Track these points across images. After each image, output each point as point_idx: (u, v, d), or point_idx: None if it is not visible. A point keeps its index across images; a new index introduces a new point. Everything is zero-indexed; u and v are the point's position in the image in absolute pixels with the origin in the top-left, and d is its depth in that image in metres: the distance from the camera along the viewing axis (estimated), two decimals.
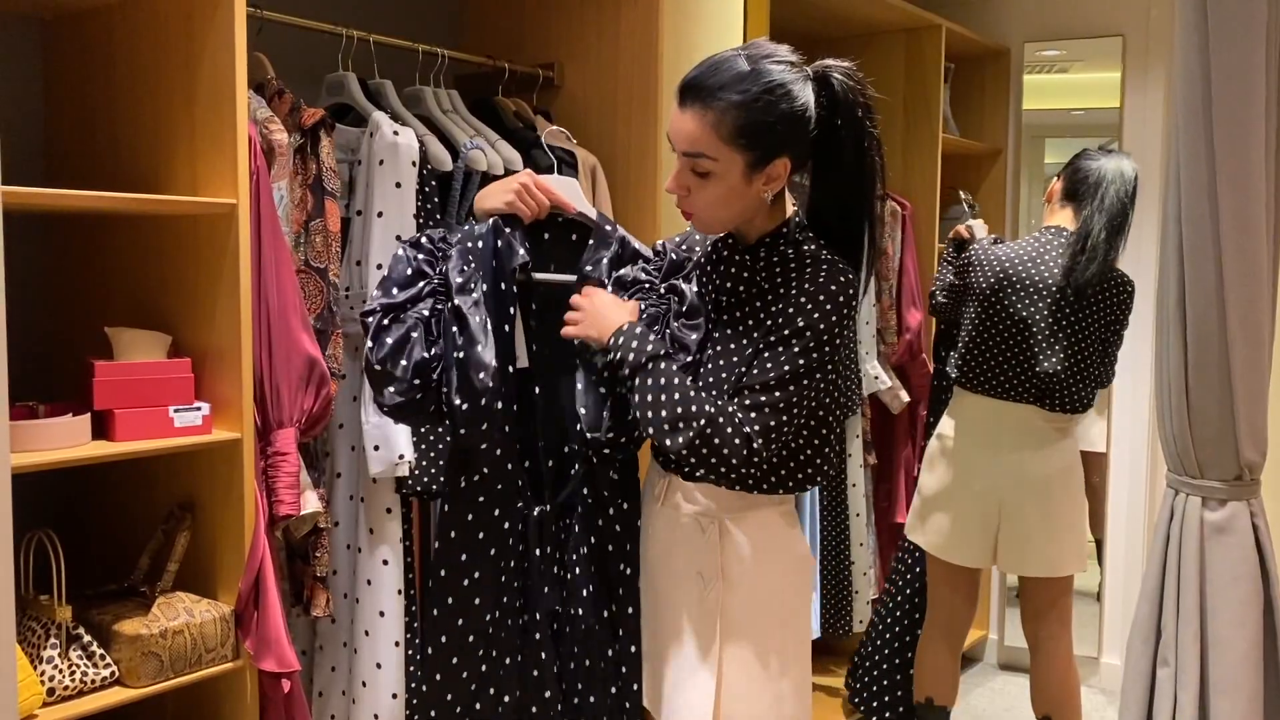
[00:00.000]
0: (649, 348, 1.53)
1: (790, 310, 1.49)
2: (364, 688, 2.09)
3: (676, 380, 1.50)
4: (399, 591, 2.10)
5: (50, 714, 1.64)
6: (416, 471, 2.08)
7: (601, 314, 1.59)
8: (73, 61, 2.03)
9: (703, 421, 1.46)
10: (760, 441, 1.47)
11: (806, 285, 1.49)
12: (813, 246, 1.55)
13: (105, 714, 1.71)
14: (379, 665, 2.08)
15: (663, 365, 1.51)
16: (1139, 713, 1.79)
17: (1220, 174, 1.68)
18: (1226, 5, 1.66)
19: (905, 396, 3.39)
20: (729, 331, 1.56)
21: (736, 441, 1.46)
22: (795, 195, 1.64)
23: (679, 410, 1.47)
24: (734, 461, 1.47)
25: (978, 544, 2.67)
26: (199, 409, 1.80)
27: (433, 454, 2.11)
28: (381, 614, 2.09)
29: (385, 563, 2.10)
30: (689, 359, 1.58)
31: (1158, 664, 1.78)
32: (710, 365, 1.56)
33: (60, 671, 1.67)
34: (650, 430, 1.50)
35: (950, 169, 3.84)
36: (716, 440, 1.46)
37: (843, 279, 1.50)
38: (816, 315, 1.48)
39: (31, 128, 2.08)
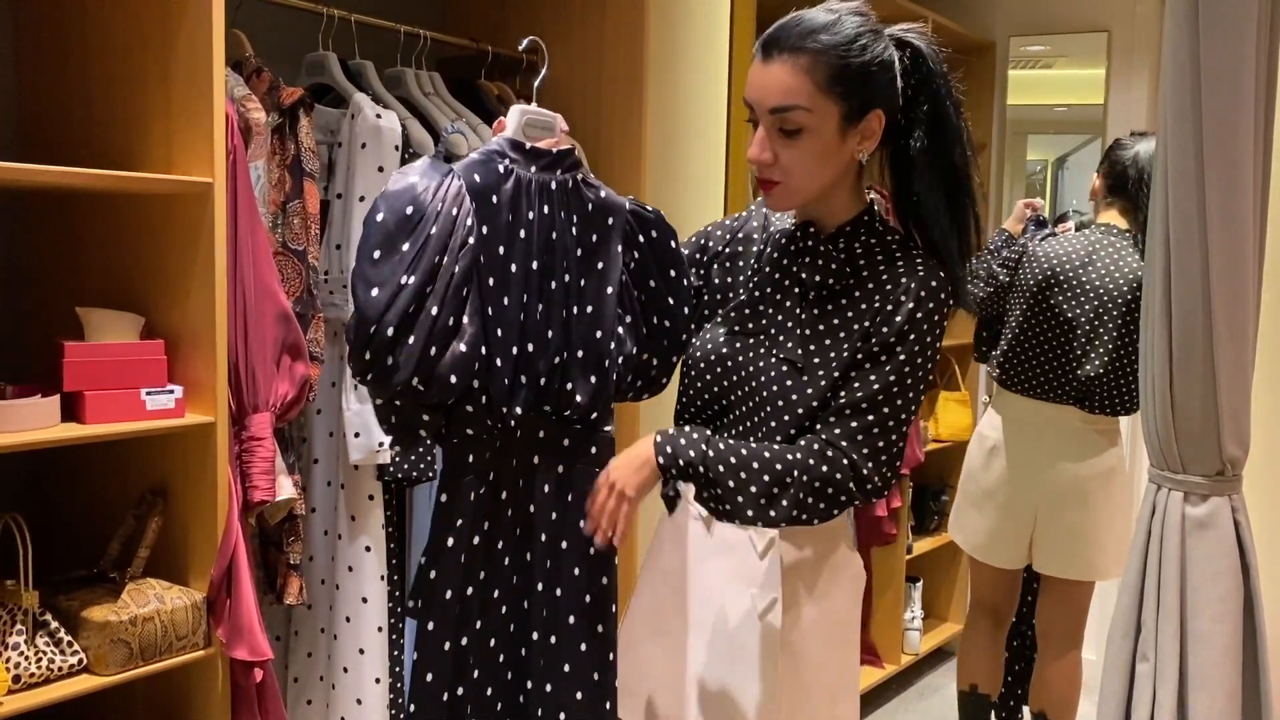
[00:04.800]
0: (694, 438, 1.38)
1: (889, 309, 1.36)
2: (345, 673, 2.08)
3: (744, 451, 1.36)
4: (381, 577, 2.08)
5: (16, 701, 1.60)
6: (397, 459, 2.06)
7: (625, 465, 1.39)
8: (45, 35, 1.99)
9: (801, 474, 1.33)
10: (871, 466, 1.35)
11: (904, 281, 1.36)
12: (898, 237, 1.43)
13: (72, 702, 1.68)
14: (361, 651, 2.07)
15: (721, 445, 1.37)
16: (1117, 707, 1.79)
17: (1208, 169, 1.68)
18: (1217, 0, 1.65)
19: None
20: (821, 328, 1.42)
21: (840, 476, 1.34)
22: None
23: (766, 478, 1.34)
24: (846, 499, 1.35)
25: (1013, 545, 2.66)
26: (172, 392, 1.77)
27: None
28: (365, 600, 2.07)
29: (368, 549, 2.08)
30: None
31: (1137, 659, 1.77)
32: (796, 365, 1.41)
33: (26, 658, 1.64)
34: (750, 515, 1.36)
35: None
36: (819, 483, 1.34)
37: (941, 274, 1.38)
38: (920, 315, 1.35)
39: (2, 102, 2.03)
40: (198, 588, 1.81)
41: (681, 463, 1.37)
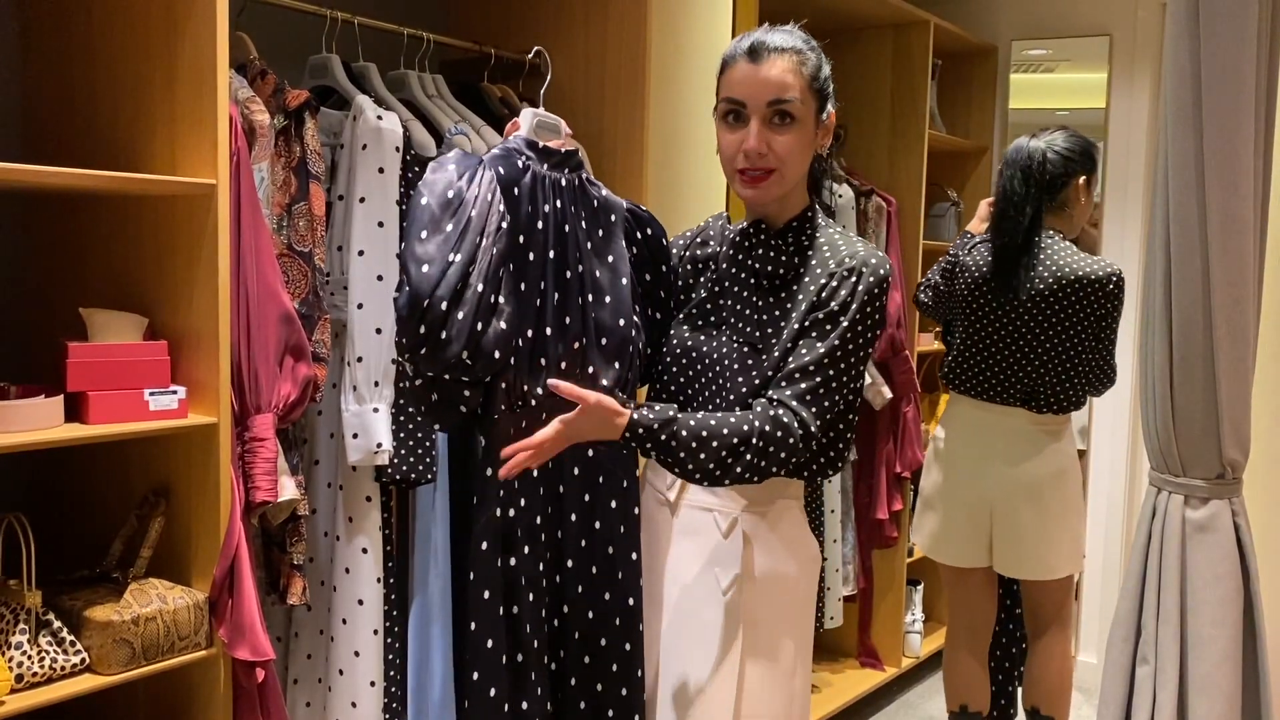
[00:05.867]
0: (662, 413, 1.46)
1: (835, 285, 1.52)
2: (341, 675, 2.08)
3: (702, 426, 1.46)
4: (378, 580, 2.08)
5: (18, 700, 1.61)
6: (395, 460, 2.06)
7: (590, 421, 1.46)
8: (51, 37, 2.00)
9: (754, 439, 1.45)
10: (818, 425, 1.49)
11: (848, 260, 1.53)
12: (840, 228, 1.60)
13: (75, 701, 1.68)
14: (357, 653, 2.06)
15: (682, 419, 1.46)
16: (1118, 710, 1.79)
17: (1209, 173, 1.68)
18: (1218, 5, 1.66)
19: (887, 392, 3.39)
20: (776, 312, 1.56)
21: (793, 440, 1.47)
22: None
23: (721, 450, 1.45)
24: (796, 458, 1.48)
25: (969, 545, 2.67)
26: (175, 392, 1.77)
27: (411, 442, 2.09)
28: (360, 602, 2.07)
29: (364, 551, 2.08)
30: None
31: (1137, 662, 1.78)
32: (755, 346, 1.55)
33: (29, 658, 1.64)
34: (712, 476, 1.46)
35: (936, 166, 3.84)
36: (773, 447, 1.46)
37: (881, 254, 1.55)
38: (861, 289, 1.51)
39: (8, 104, 2.04)
40: (200, 588, 1.82)
41: (641, 431, 1.45)
